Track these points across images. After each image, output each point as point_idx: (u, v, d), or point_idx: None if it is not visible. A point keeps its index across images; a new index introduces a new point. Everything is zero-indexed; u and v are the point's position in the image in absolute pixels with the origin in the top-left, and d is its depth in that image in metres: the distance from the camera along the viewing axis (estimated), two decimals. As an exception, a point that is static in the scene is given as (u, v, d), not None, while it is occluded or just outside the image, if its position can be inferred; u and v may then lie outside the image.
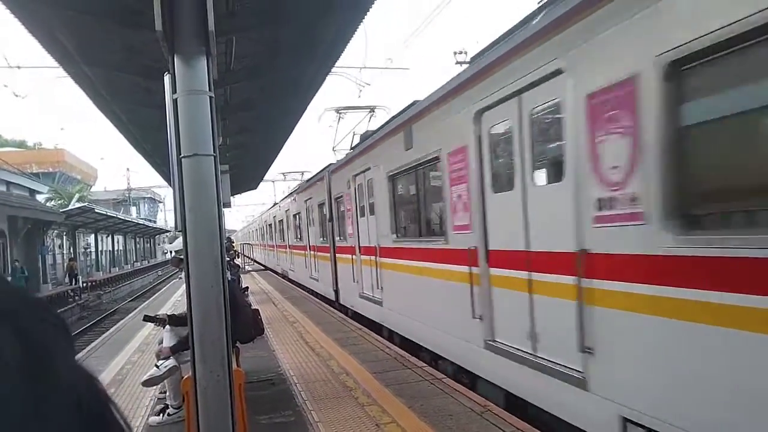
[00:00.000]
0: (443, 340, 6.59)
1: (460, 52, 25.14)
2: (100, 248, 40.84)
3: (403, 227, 8.43)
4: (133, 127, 16.21)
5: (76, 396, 0.41)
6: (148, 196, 72.52)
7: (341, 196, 12.46)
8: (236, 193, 35.57)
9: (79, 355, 0.47)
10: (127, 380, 6.94)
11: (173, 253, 6.00)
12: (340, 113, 16.90)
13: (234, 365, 5.48)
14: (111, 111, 15.09)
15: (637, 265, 3.44)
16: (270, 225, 27.91)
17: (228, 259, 16.63)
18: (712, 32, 2.83)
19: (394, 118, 9.71)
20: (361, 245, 10.50)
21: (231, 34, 7.37)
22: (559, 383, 4.21)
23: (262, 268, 31.60)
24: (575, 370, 4.03)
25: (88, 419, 0.42)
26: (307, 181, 19.55)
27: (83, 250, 36.91)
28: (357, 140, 14.48)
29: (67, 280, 28.49)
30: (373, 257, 9.54)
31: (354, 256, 10.77)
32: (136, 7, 7.17)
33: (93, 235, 39.11)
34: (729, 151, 3.14)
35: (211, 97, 3.35)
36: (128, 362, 8.05)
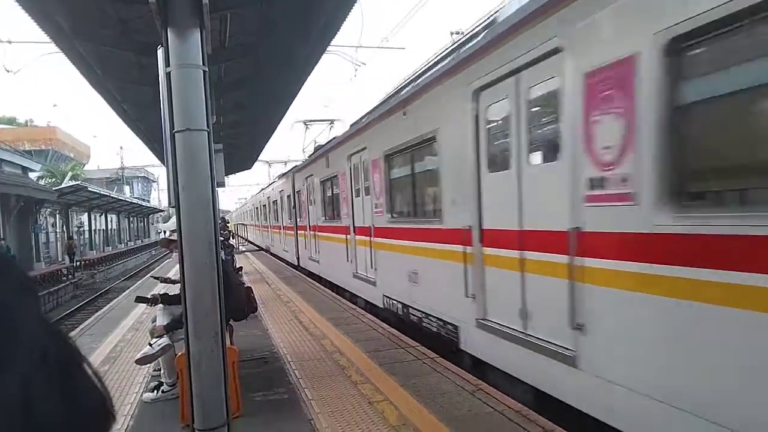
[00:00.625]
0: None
1: (457, 32, 24.95)
2: (93, 227, 40.68)
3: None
4: (126, 104, 16.06)
5: (41, 349, 0.42)
6: (142, 175, 72.14)
7: (300, 191, 16.81)
8: (231, 173, 35.42)
9: (46, 313, 0.50)
10: (120, 358, 6.95)
11: (166, 233, 5.96)
12: (306, 124, 21.91)
13: (228, 342, 5.51)
14: (104, 88, 14.93)
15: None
16: (257, 208, 31.88)
17: (222, 238, 16.70)
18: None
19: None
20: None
21: (225, 11, 7.27)
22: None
23: (256, 248, 31.64)
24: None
25: (54, 371, 0.42)
26: (279, 176, 24.40)
27: (77, 228, 36.75)
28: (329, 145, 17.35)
29: (66, 258, 28.40)
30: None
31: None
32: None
33: (86, 214, 38.93)
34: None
35: (204, 72, 3.30)
36: (122, 340, 8.06)
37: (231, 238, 21.07)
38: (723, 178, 3.14)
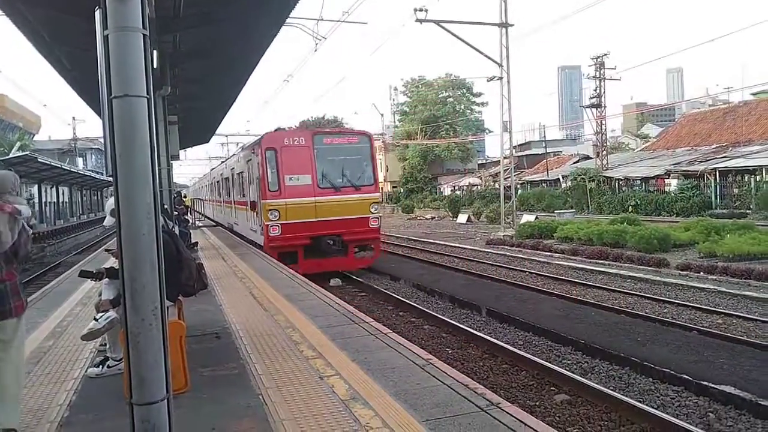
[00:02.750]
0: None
1: (420, 9, 24.71)
2: (44, 200, 39.30)
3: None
4: (76, 72, 15.46)
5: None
6: (96, 147, 69.86)
7: (228, 177, 22.62)
8: (187, 147, 34.66)
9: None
10: (67, 333, 6.77)
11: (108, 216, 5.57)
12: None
13: (175, 317, 5.41)
14: (53, 55, 14.31)
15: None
16: (210, 184, 32.92)
17: (176, 213, 16.37)
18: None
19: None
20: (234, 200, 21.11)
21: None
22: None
23: (213, 223, 31.23)
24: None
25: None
26: (222, 161, 33.43)
27: (26, 201, 35.43)
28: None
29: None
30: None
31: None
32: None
33: (36, 186, 37.56)
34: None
35: (145, 35, 3.14)
36: (69, 314, 7.85)
37: (187, 213, 20.70)
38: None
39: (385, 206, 53.56)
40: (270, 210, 14.16)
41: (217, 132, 35.67)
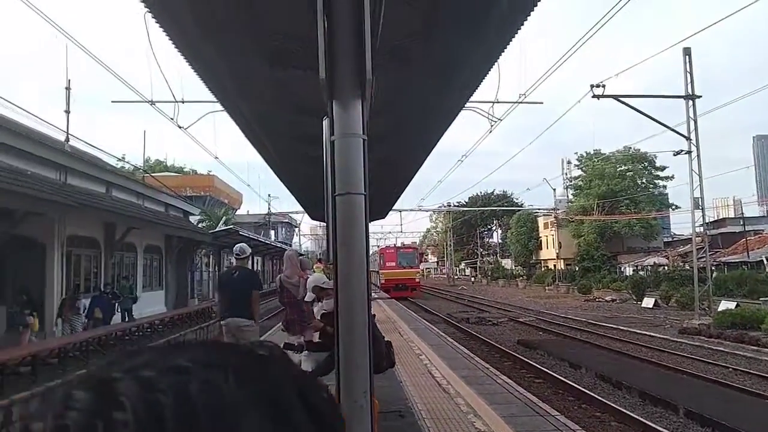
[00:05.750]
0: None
1: (598, 86, 24.13)
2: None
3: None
4: (277, 157, 17.47)
5: None
6: (286, 221, 76.99)
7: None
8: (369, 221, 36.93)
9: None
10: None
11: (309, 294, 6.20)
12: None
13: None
14: (260, 143, 16.38)
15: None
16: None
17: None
18: None
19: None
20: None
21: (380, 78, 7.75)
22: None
23: (387, 296, 32.46)
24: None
25: None
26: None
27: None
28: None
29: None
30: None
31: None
32: (289, 48, 7.80)
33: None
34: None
35: (363, 140, 3.51)
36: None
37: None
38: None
39: (559, 285, 51.14)
40: (382, 273, 38.95)
41: (393, 208, 37.46)
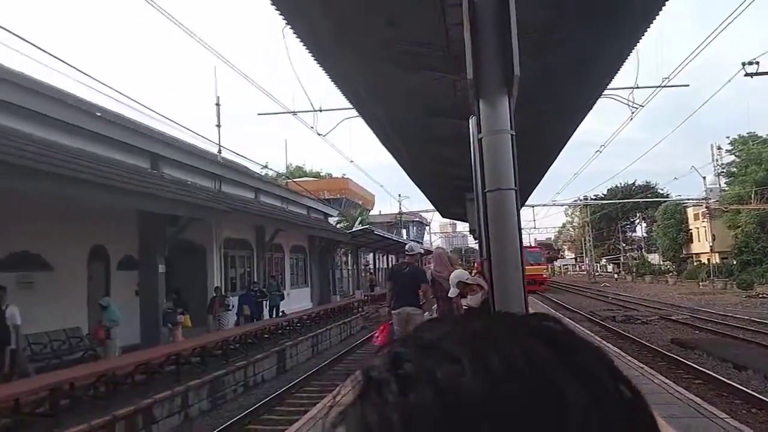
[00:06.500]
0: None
1: (750, 63, 21.69)
2: (377, 266, 45.36)
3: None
4: (409, 158, 17.82)
5: None
6: (417, 219, 78.04)
7: None
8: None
9: None
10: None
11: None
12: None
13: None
14: (392, 145, 16.82)
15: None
16: None
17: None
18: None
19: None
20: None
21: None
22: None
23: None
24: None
25: None
26: None
27: (363, 267, 41.40)
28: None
29: (368, 290, 34.05)
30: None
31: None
32: (421, 52, 7.99)
33: (372, 254, 43.63)
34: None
35: (511, 135, 3.55)
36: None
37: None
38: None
39: (715, 281, 46.83)
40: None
41: (526, 203, 36.62)
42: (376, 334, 8.58)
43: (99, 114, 12.64)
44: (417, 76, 9.00)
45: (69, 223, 12.53)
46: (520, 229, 3.36)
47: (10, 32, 8.63)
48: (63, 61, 9.80)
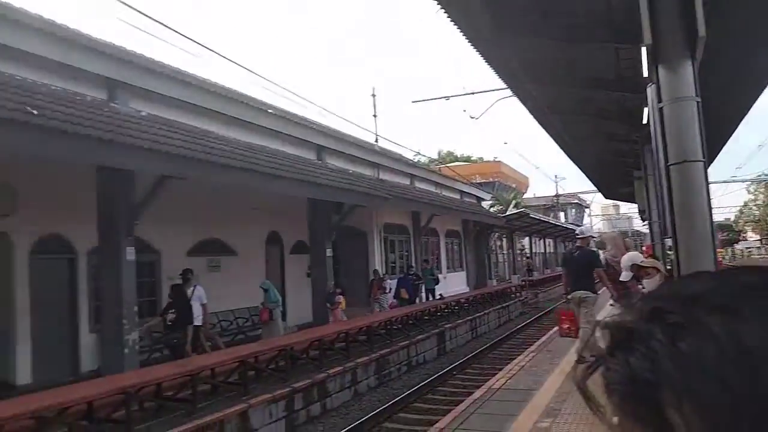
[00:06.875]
0: None
1: None
2: (533, 250, 44.16)
3: None
4: (567, 136, 17.03)
5: None
6: (575, 201, 74.44)
7: None
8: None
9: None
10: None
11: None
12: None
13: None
14: (549, 123, 16.19)
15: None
16: None
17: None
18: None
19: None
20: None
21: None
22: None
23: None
24: None
25: None
26: None
27: (518, 251, 40.53)
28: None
29: (526, 275, 33.29)
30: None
31: None
32: (581, 23, 7.57)
33: (527, 238, 42.55)
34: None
35: (697, 102, 3.29)
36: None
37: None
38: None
39: None
40: None
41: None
42: (563, 325, 8.44)
43: (271, 111, 13.75)
44: (576, 49, 8.57)
45: (248, 213, 13.89)
46: (710, 204, 3.12)
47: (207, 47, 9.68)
48: (249, 70, 10.79)
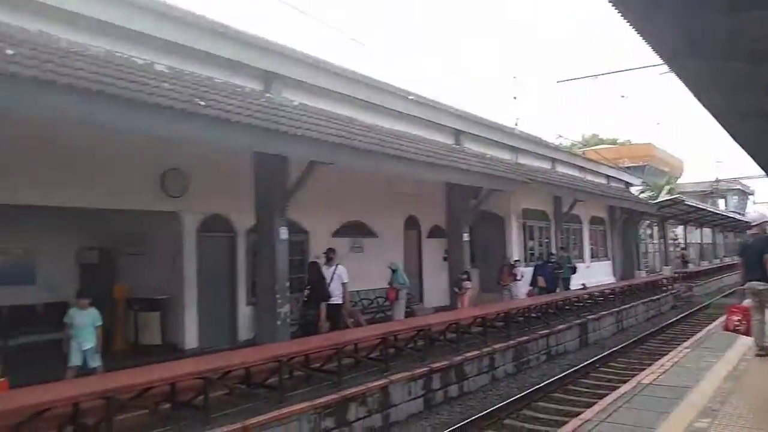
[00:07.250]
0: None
1: None
2: (687, 240, 40.64)
3: None
4: (732, 114, 15.41)
5: None
6: (737, 188, 67.19)
7: None
8: None
9: None
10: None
11: None
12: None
13: None
14: (709, 101, 14.76)
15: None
16: None
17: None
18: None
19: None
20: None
21: None
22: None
23: None
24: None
25: None
26: None
27: (671, 241, 37.51)
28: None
29: (680, 266, 31.51)
30: None
31: None
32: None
33: (681, 227, 39.22)
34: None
35: None
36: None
37: None
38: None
39: None
40: None
41: None
42: (733, 317, 7.91)
43: (411, 98, 13.98)
44: (744, 17, 7.75)
45: (388, 197, 14.30)
46: None
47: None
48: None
